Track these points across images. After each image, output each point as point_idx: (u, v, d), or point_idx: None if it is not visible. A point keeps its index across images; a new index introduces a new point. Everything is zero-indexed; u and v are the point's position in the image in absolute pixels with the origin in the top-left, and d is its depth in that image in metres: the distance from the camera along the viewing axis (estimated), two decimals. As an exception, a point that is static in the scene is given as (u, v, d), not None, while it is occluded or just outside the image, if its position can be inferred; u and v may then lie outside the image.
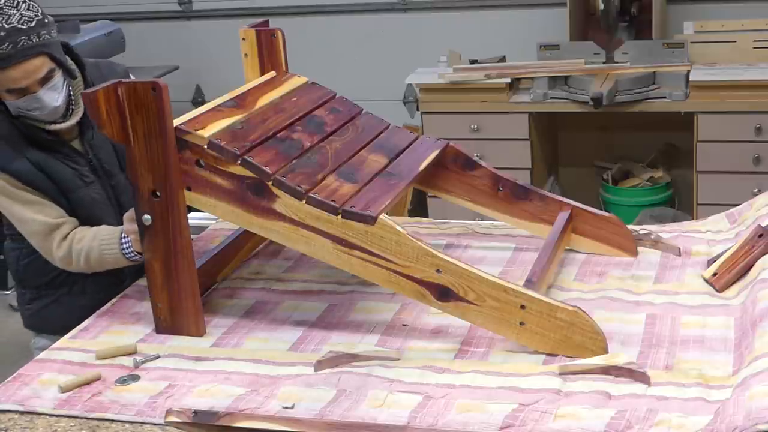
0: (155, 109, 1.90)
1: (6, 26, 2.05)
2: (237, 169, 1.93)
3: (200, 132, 1.95)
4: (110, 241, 2.17)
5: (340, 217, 1.90)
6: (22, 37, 2.07)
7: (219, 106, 2.10)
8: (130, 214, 2.09)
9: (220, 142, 1.94)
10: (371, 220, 1.88)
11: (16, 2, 2.10)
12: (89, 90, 1.90)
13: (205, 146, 1.94)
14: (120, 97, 1.91)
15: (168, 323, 2.05)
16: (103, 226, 2.23)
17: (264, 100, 2.21)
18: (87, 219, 2.26)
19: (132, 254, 2.15)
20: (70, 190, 2.25)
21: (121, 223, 2.16)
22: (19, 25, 2.07)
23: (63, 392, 1.84)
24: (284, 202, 1.92)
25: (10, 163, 2.19)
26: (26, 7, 2.12)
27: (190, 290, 2.02)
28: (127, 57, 4.95)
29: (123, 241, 2.15)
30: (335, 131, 2.21)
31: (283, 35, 2.39)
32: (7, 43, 2.05)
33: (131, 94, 1.90)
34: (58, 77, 2.18)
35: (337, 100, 2.36)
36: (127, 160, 1.96)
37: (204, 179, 1.96)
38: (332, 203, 1.91)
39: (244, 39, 2.39)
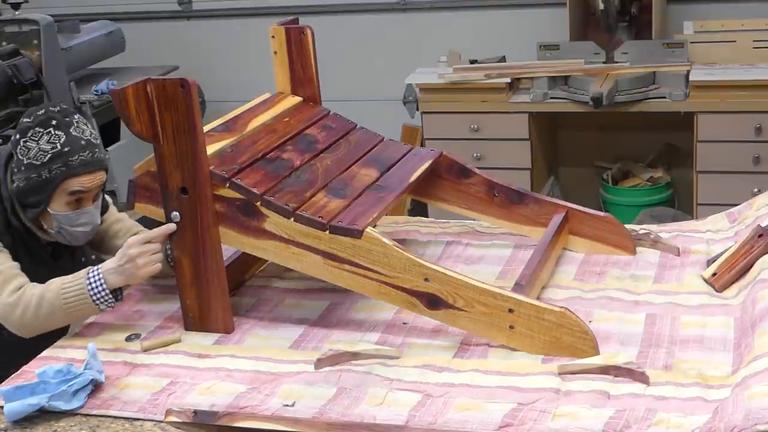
0: (184, 106, 1.90)
1: (84, 138, 2.18)
2: (226, 192, 1.96)
3: None
4: (74, 280, 2.04)
5: (328, 232, 1.92)
6: (96, 150, 2.21)
7: (210, 131, 2.13)
8: (134, 238, 2.03)
9: (210, 166, 1.95)
10: (358, 234, 1.91)
11: (85, 121, 2.24)
12: (118, 87, 1.90)
13: None
14: (149, 94, 1.91)
15: (196, 320, 2.06)
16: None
17: (256, 123, 2.23)
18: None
19: (100, 293, 2.01)
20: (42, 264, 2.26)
21: None
22: (92, 140, 2.21)
23: (144, 350, 1.97)
24: (274, 221, 1.95)
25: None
26: (92, 126, 2.38)
27: (219, 288, 2.03)
28: (126, 57, 4.96)
29: (92, 275, 2.03)
30: (327, 148, 2.23)
31: (312, 33, 2.37)
32: (87, 152, 2.17)
33: (160, 91, 1.91)
34: (100, 198, 2.28)
35: (330, 117, 2.37)
36: (156, 157, 1.96)
37: None
38: (320, 219, 1.93)
39: (273, 37, 2.38)
